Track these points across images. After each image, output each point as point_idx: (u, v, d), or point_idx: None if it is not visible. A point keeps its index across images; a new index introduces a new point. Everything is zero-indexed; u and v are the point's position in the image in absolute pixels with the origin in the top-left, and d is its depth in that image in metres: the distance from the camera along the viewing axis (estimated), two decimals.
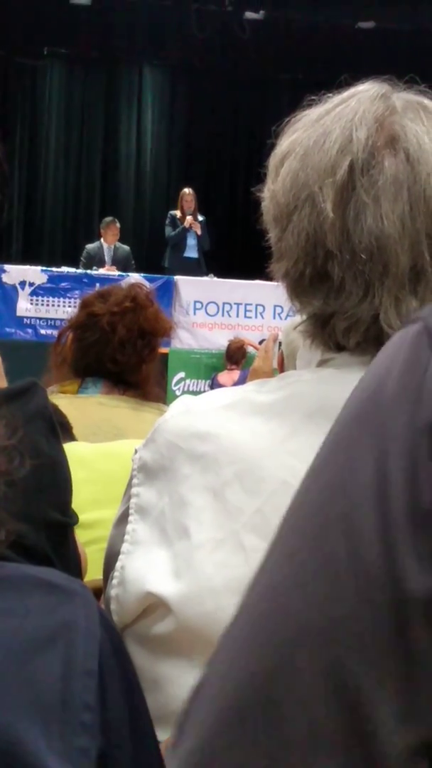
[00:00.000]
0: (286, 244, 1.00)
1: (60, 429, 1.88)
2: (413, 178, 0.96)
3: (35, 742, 0.56)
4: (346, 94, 1.03)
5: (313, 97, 1.05)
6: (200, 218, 11.37)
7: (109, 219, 11.19)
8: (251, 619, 0.53)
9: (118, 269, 10.53)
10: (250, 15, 13.17)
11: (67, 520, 1.00)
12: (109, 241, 10.93)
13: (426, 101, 1.02)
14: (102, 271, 10.42)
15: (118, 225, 11.09)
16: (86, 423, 2.03)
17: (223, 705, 0.51)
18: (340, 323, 0.99)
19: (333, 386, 0.99)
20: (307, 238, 0.98)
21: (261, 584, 0.55)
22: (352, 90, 1.03)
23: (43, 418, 0.95)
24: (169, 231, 11.39)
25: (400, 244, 0.95)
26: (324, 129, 0.99)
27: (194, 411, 1.03)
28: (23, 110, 14.12)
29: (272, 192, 1.03)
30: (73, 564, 1.03)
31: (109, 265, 10.72)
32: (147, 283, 8.41)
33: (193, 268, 11.01)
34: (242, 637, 0.53)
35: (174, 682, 0.96)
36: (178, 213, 11.35)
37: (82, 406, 2.16)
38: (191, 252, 11.34)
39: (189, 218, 11.19)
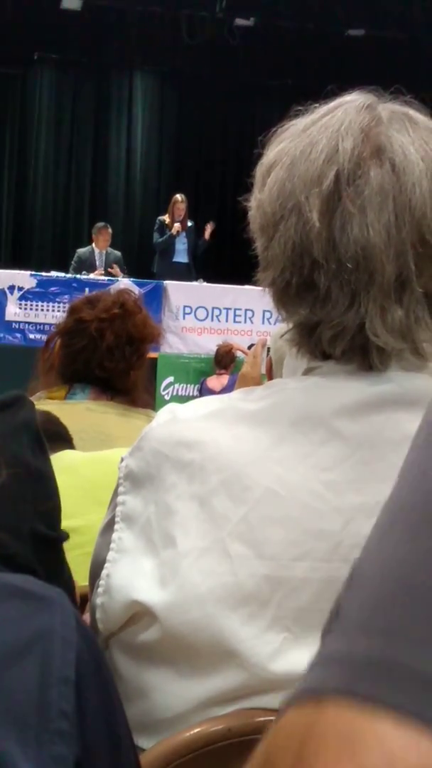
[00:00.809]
0: (272, 253, 1.01)
1: (59, 439, 1.87)
2: (399, 188, 0.96)
3: (11, 750, 0.55)
4: (332, 104, 1.03)
5: (299, 107, 1.05)
6: (189, 224, 11.34)
7: (101, 224, 11.16)
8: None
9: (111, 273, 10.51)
10: (240, 22, 13.19)
11: (55, 534, 0.99)
12: (100, 246, 10.92)
13: (411, 112, 1.03)
14: (92, 275, 10.40)
15: (109, 230, 11.06)
16: (74, 429, 2.03)
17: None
18: (326, 332, 0.99)
19: (318, 394, 0.99)
20: (293, 247, 0.98)
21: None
22: (338, 100, 1.03)
23: (29, 431, 0.95)
24: (156, 237, 11.36)
25: (385, 254, 0.95)
26: (311, 139, 1.00)
27: (180, 419, 1.03)
28: (13, 115, 14.10)
29: (259, 201, 1.03)
30: (66, 586, 1.02)
31: (101, 269, 10.70)
32: (136, 288, 8.43)
33: (182, 273, 10.98)
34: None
35: (159, 690, 0.96)
36: (166, 218, 11.32)
37: (70, 412, 2.16)
38: (181, 257, 11.31)
39: (177, 225, 11.15)
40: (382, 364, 1.00)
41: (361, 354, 1.00)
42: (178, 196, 11.31)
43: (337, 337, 0.99)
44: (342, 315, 0.98)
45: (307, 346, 1.03)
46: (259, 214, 1.03)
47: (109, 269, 10.58)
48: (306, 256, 0.98)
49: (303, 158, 0.99)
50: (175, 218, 11.24)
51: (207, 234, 11.23)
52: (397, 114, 1.02)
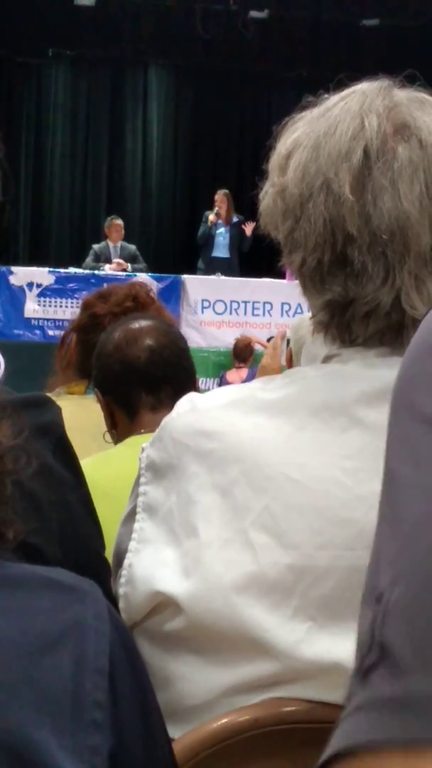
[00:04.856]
0: (301, 234, 1.00)
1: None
2: (427, 161, 0.98)
3: (46, 741, 0.56)
4: (346, 91, 1.04)
5: (310, 98, 1.06)
6: (235, 219, 11.25)
7: (110, 218, 11.15)
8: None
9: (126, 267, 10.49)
10: (254, 14, 13.13)
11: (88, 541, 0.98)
12: (113, 240, 10.90)
13: (425, 96, 1.04)
14: (108, 269, 10.37)
15: (120, 222, 11.02)
16: (93, 423, 2.03)
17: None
18: (360, 309, 0.99)
19: (339, 382, 0.99)
20: (324, 224, 0.98)
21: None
22: (351, 88, 1.04)
23: (52, 434, 0.94)
24: (200, 231, 11.35)
25: (420, 224, 0.96)
26: (333, 120, 1.01)
27: (200, 409, 1.03)
28: (29, 111, 14.11)
29: (281, 185, 1.03)
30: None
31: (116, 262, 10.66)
32: (154, 282, 8.41)
33: (222, 268, 10.83)
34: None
35: (185, 679, 0.97)
36: (210, 214, 11.27)
37: (89, 407, 2.16)
38: (221, 251, 11.19)
39: (212, 217, 11.10)
40: None
41: (397, 331, 1.00)
42: (219, 191, 11.28)
43: (371, 313, 0.99)
44: (377, 289, 0.97)
45: (336, 328, 1.02)
46: (281, 198, 1.03)
47: (116, 262, 10.51)
48: (338, 231, 0.98)
49: (327, 137, 1.00)
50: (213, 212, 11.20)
51: (248, 231, 11.10)
52: (412, 97, 1.03)
